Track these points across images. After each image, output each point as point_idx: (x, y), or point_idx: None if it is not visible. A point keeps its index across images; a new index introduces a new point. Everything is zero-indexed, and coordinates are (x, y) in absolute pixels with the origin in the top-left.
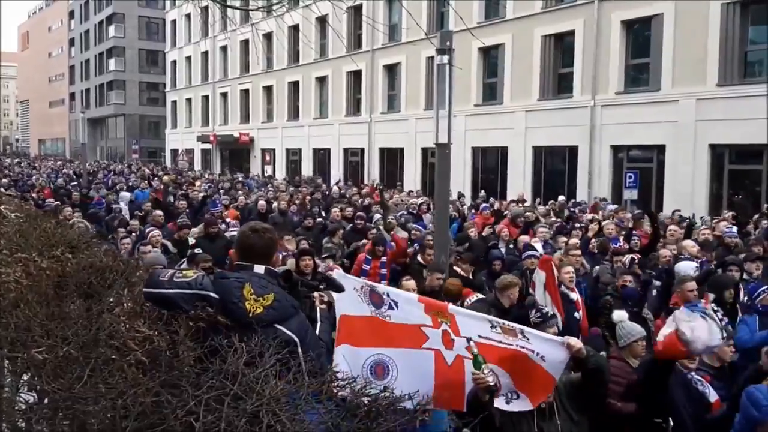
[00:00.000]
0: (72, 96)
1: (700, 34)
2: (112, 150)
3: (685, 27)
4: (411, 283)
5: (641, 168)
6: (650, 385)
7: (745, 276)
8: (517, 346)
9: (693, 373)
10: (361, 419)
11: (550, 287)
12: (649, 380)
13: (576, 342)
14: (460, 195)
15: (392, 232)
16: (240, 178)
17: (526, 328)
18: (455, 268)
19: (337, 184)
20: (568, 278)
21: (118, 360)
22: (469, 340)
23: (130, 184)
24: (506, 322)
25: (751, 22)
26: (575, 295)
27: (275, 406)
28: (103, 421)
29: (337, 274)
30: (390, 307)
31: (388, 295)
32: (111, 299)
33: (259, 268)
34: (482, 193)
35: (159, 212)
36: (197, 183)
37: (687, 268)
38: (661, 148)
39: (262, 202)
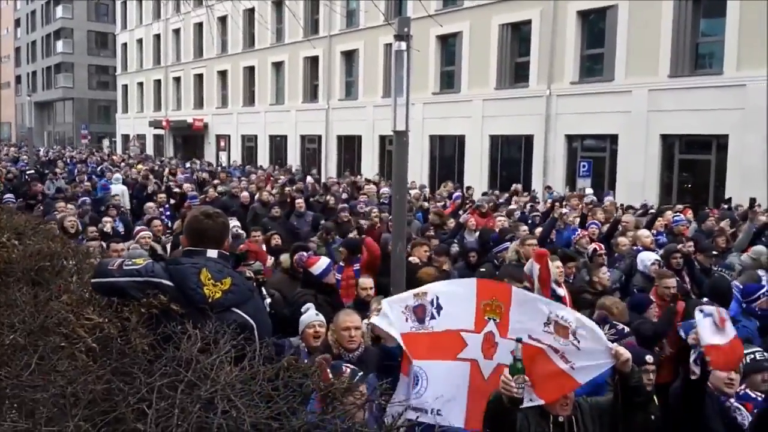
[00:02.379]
0: (18, 79)
1: (653, 25)
2: (60, 135)
3: (638, 18)
4: (367, 281)
5: (594, 157)
6: (686, 410)
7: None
8: (557, 354)
9: (732, 400)
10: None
11: (544, 284)
12: (685, 404)
13: (625, 352)
14: (423, 187)
15: (363, 237)
16: (221, 167)
17: (582, 328)
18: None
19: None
20: (558, 272)
21: (68, 347)
22: (519, 340)
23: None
24: (564, 316)
25: (703, 14)
26: (562, 291)
27: (230, 392)
28: (52, 409)
29: (386, 301)
30: (432, 317)
31: (432, 303)
32: (60, 286)
33: (212, 253)
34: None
35: (151, 204)
36: (178, 173)
37: (649, 257)
38: (614, 138)
39: (245, 194)
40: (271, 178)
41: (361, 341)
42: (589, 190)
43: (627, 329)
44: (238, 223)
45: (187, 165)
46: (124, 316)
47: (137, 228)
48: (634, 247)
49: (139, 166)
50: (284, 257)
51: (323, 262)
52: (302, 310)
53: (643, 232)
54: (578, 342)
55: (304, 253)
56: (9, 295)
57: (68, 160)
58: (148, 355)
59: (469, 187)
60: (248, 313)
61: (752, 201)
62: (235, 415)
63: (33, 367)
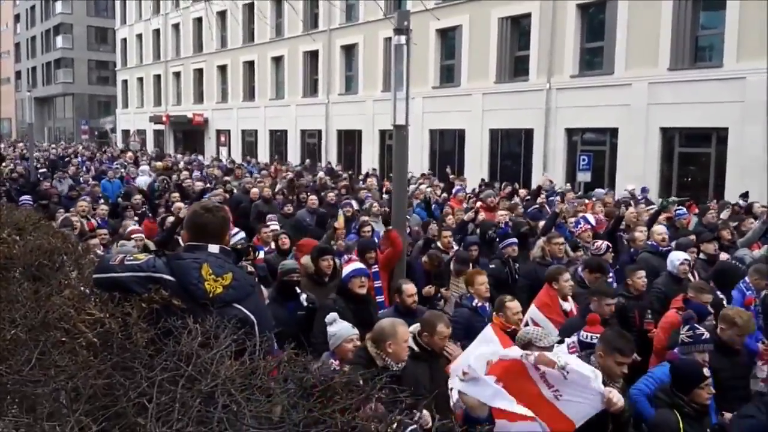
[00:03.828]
0: (18, 74)
1: (652, 18)
2: (60, 130)
3: (638, 11)
4: (411, 287)
5: (595, 151)
6: None
7: (702, 256)
8: (538, 373)
9: None
10: (318, 398)
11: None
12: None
13: (618, 399)
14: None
15: (389, 229)
16: (240, 164)
17: (571, 363)
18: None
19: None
20: (567, 286)
21: (69, 342)
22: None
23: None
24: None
25: (703, 7)
26: (568, 305)
27: (231, 387)
28: (52, 404)
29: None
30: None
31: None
32: (60, 281)
33: (214, 248)
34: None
35: (180, 204)
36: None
37: (678, 257)
38: (614, 131)
39: (255, 190)
40: (280, 172)
41: None
42: (630, 186)
43: (706, 335)
44: (277, 226)
45: (207, 162)
46: (125, 311)
47: (129, 227)
48: (647, 242)
49: (159, 164)
50: (306, 260)
51: (349, 267)
52: (327, 320)
53: (658, 228)
54: (565, 373)
55: (346, 256)
56: (10, 291)
57: (79, 157)
58: (149, 350)
59: (487, 182)
60: (249, 309)
61: None
62: (236, 409)
63: (34, 362)
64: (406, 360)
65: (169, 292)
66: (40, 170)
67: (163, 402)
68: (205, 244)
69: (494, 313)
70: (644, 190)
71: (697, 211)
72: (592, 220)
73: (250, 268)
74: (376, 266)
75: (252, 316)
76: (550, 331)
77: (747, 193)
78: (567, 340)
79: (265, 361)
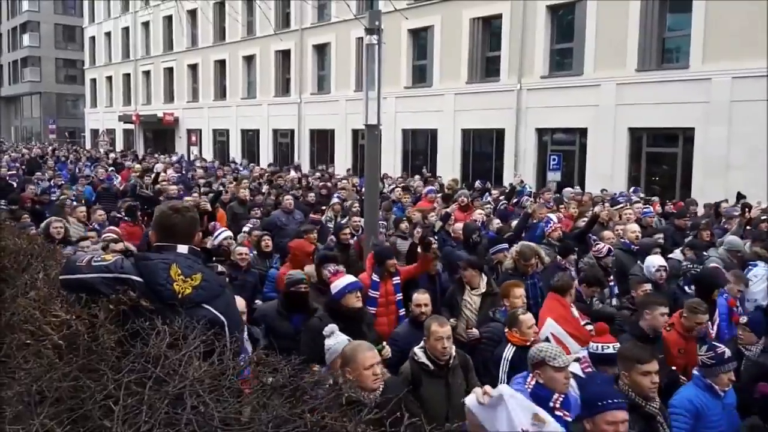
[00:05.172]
0: None
1: (621, 20)
2: (27, 130)
3: (606, 13)
4: (421, 297)
5: (564, 150)
6: None
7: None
8: None
9: None
10: (287, 397)
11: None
12: None
13: None
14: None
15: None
16: (233, 165)
17: None
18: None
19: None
20: (573, 293)
21: (34, 345)
22: None
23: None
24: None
25: (669, 9)
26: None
27: (199, 388)
28: (17, 407)
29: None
30: None
31: None
32: (26, 283)
33: (183, 248)
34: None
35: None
36: (168, 171)
37: (653, 263)
38: (583, 131)
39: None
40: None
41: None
42: (632, 188)
43: (728, 353)
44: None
45: (198, 163)
46: (92, 313)
47: (103, 230)
48: (621, 239)
49: (137, 166)
50: (309, 269)
51: (343, 281)
52: (325, 332)
53: (631, 226)
54: None
55: (332, 267)
56: None
57: (56, 158)
58: (116, 352)
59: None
60: (218, 309)
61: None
62: (204, 410)
63: None
64: (379, 388)
65: (137, 293)
66: (9, 173)
67: (129, 404)
68: (174, 245)
69: (506, 329)
70: (636, 191)
71: (659, 210)
72: (556, 219)
73: (221, 269)
74: (397, 278)
75: (222, 317)
76: (570, 346)
77: (740, 193)
78: (579, 354)
79: (234, 362)
